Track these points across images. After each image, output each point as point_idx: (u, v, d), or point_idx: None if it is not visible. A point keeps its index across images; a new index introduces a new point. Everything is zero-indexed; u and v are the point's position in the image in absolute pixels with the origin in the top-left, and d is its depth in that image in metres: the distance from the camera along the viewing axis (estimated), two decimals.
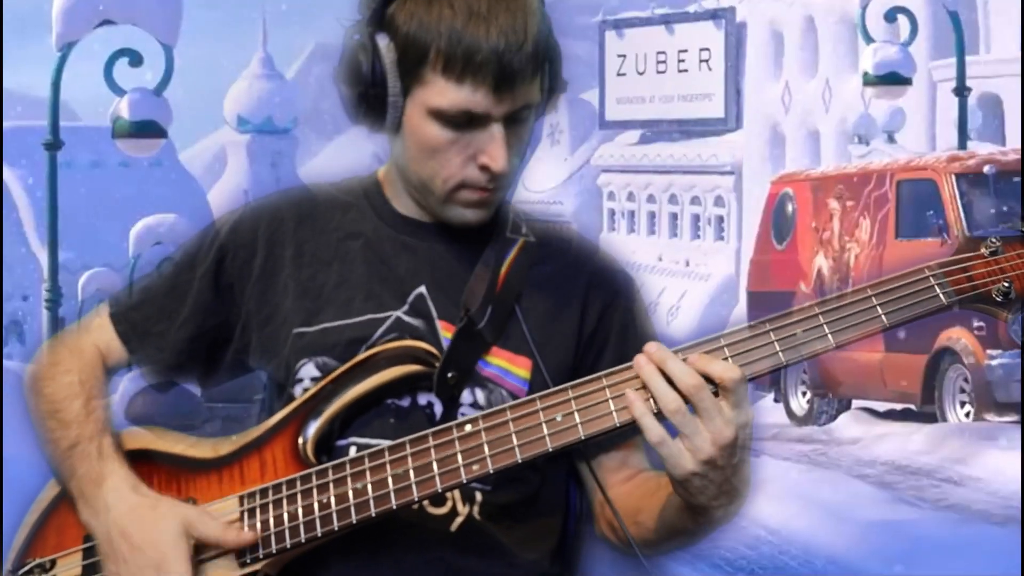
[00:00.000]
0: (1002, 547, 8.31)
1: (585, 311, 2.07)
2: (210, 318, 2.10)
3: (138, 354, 2.14)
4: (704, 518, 1.93)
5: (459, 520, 2.01)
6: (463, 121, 1.97)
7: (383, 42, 1.99)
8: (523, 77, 1.96)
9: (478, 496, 2.01)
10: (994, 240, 1.93)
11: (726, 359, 1.89)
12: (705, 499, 1.89)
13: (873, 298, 1.90)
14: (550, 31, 2.01)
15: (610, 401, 1.89)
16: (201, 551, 1.96)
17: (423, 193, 2.05)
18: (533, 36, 1.96)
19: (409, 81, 1.99)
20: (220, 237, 2.11)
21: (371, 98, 2.00)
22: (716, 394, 1.85)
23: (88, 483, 2.00)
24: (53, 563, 2.03)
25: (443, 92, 1.96)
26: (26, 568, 2.03)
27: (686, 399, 1.85)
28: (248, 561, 1.96)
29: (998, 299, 1.92)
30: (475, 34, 1.94)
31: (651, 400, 1.87)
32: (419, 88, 1.98)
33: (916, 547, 8.65)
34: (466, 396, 2.01)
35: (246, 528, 1.96)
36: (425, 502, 1.98)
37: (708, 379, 1.86)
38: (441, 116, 1.98)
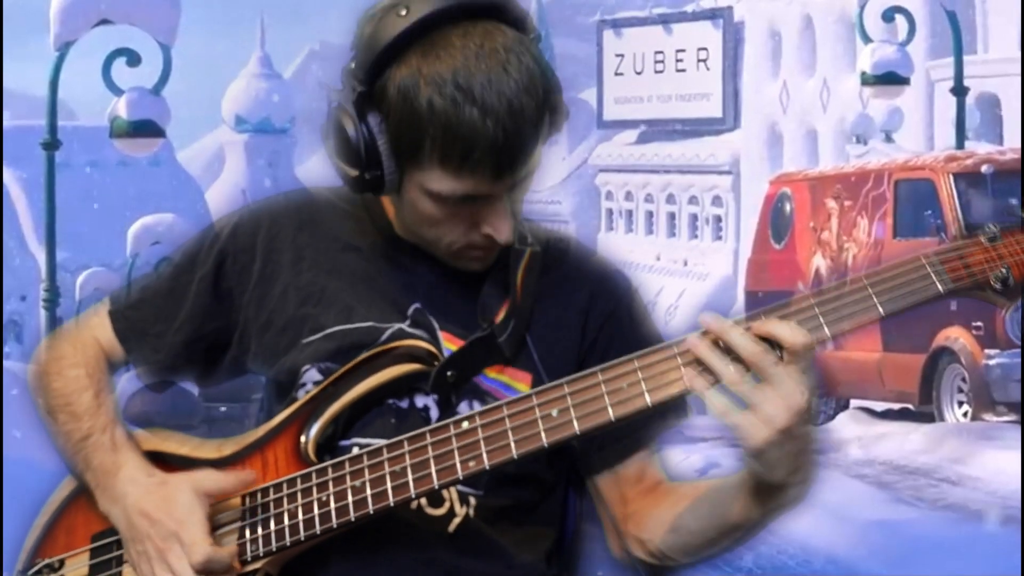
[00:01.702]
0: (1001, 547, 8.30)
1: (587, 323, 2.05)
2: (208, 322, 2.09)
3: (134, 353, 2.14)
4: (775, 501, 1.87)
5: (456, 521, 2.00)
6: (464, 200, 1.93)
7: (375, 121, 1.92)
8: (524, 156, 1.91)
9: (472, 500, 2.01)
10: (992, 227, 1.87)
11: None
12: (783, 473, 1.83)
13: (869, 287, 1.86)
14: (550, 75, 1.92)
15: (605, 396, 1.87)
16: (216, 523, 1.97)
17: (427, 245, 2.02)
18: (531, 110, 1.89)
19: (404, 162, 1.92)
20: (220, 241, 2.09)
21: (366, 180, 1.94)
22: (780, 359, 1.80)
23: (104, 474, 2.02)
24: (62, 563, 2.05)
25: (441, 180, 1.91)
26: (36, 568, 2.05)
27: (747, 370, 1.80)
28: (249, 559, 1.96)
29: (996, 286, 1.86)
30: (471, 126, 1.86)
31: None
32: (416, 170, 1.92)
33: (914, 547, 8.65)
34: (463, 408, 1.99)
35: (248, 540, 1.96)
36: (423, 503, 1.98)
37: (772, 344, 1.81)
38: (440, 197, 1.93)
